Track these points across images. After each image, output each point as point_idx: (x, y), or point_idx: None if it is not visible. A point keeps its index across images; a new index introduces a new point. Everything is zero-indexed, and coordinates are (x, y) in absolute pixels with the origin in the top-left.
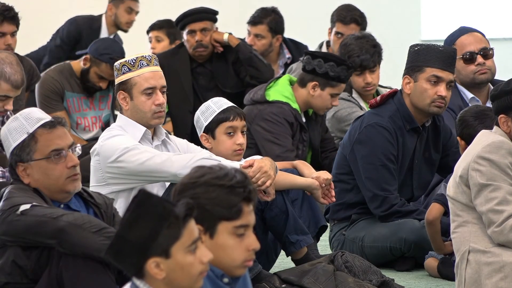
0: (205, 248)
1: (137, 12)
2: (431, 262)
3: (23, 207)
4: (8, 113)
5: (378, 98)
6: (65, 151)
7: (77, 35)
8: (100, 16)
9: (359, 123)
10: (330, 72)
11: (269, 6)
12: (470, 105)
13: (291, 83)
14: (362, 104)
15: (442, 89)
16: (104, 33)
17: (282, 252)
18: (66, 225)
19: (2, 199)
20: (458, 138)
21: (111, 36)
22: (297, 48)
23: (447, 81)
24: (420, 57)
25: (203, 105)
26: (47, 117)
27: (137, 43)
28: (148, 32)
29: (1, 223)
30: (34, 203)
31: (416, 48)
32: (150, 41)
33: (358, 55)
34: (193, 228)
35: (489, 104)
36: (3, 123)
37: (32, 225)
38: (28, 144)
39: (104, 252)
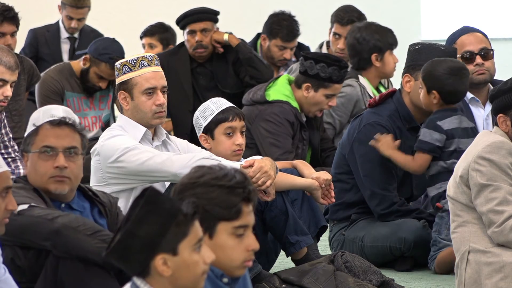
0: (208, 249)
1: (80, 19)
2: (450, 252)
3: (21, 207)
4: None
5: (377, 97)
6: (58, 151)
7: (34, 42)
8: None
9: (358, 122)
10: (321, 73)
11: (275, 9)
12: (470, 105)
13: (290, 82)
14: None
15: None
16: (63, 33)
17: (282, 252)
18: (60, 226)
19: None
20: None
21: (75, 35)
22: (299, 49)
23: None
24: (422, 56)
25: (202, 105)
26: (64, 115)
27: (138, 43)
28: (141, 38)
29: None
30: (32, 204)
31: (417, 47)
32: (144, 47)
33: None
34: (198, 227)
35: (488, 105)
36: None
37: (27, 226)
38: (30, 136)
39: (97, 254)
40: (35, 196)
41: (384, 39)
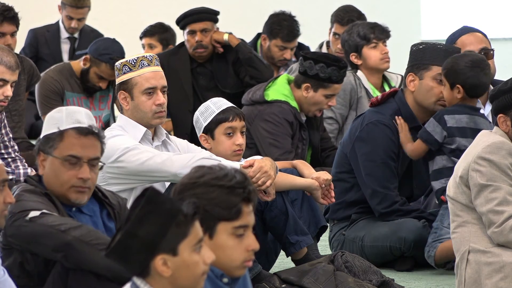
0: (208, 249)
1: (80, 19)
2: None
3: (33, 214)
4: (4, 118)
5: (379, 96)
6: (82, 161)
7: (34, 42)
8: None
9: (360, 121)
10: (320, 73)
11: (275, 9)
12: None
13: (289, 82)
14: None
15: None
16: (64, 33)
17: (282, 252)
18: (73, 240)
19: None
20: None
21: (75, 35)
22: (299, 49)
23: None
24: (426, 55)
25: (202, 105)
26: (90, 123)
27: (138, 43)
28: (141, 38)
29: (9, 225)
30: (44, 211)
31: (421, 47)
32: (143, 48)
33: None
34: (199, 227)
35: (488, 105)
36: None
37: (39, 234)
38: (53, 139)
39: (109, 270)
40: (45, 201)
41: (353, 37)
